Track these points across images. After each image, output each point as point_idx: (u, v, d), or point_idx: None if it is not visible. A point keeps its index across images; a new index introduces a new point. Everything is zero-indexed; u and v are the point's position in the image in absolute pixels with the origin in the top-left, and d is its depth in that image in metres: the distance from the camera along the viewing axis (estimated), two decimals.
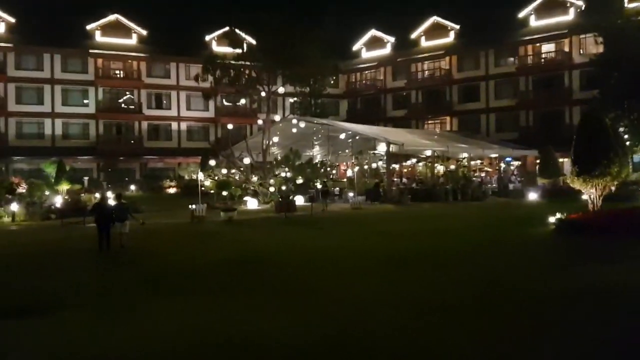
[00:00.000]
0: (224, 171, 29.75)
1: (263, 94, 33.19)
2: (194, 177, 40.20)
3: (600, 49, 44.94)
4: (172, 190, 45.76)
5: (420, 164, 37.06)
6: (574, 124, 47.60)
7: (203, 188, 30.24)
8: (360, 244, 15.30)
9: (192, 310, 8.94)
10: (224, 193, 27.89)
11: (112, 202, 18.75)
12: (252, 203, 29.15)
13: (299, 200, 29.03)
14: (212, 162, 29.47)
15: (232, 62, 38.90)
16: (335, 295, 9.56)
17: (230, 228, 20.53)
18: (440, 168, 38.04)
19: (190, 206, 23.22)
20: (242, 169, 31.58)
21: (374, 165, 36.35)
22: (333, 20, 59.84)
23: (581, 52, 48.03)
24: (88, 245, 16.77)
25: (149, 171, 52.21)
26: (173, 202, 33.80)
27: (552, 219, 16.40)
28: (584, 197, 29.86)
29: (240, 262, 12.92)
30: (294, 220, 22.79)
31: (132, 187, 45.96)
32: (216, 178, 28.95)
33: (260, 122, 32.96)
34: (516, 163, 46.16)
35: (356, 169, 35.31)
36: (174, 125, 54.40)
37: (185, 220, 22.58)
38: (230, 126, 31.36)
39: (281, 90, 31.69)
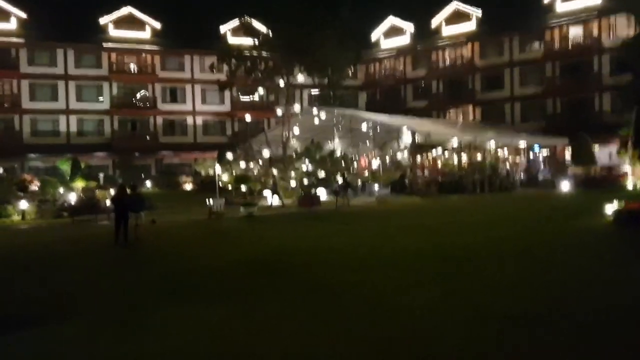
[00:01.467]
0: (242, 165, 28.46)
1: (282, 83, 31.79)
2: (211, 172, 39.02)
3: (632, 31, 43.04)
4: (188, 187, 44.75)
5: (446, 154, 35.43)
6: (604, 110, 45.72)
7: (222, 184, 29.09)
8: (397, 240, 13.83)
9: (213, 320, 7.61)
10: (243, 188, 26.58)
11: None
12: (272, 198, 27.82)
13: (322, 194, 27.66)
14: (230, 156, 28.14)
15: (248, 52, 37.65)
16: (381, 303, 8.13)
17: (251, 224, 19.24)
18: (465, 158, 36.30)
19: (207, 201, 21.94)
20: (261, 162, 30.28)
21: (398, 156, 34.86)
22: (350, 9, 58.12)
23: (611, 35, 45.85)
24: (98, 244, 15.62)
25: (164, 167, 51.23)
26: (190, 198, 32.72)
27: (608, 210, 14.75)
28: (629, 186, 28.31)
29: (265, 262, 11.54)
30: (318, 215, 21.42)
31: (148, 183, 44.93)
32: (234, 172, 27.63)
33: (279, 112, 31.59)
34: (545, 152, 44.33)
35: (379, 160, 33.83)
36: (190, 119, 53.33)
37: (203, 217, 21.31)
38: (248, 117, 29.99)
39: (300, 78, 30.26)
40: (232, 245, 14.42)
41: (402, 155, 33.15)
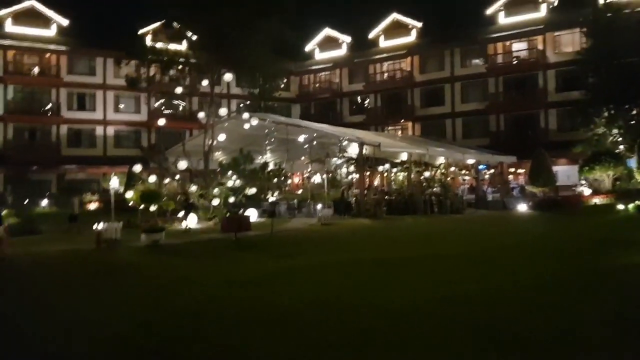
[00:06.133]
0: (152, 179, 22.95)
1: (205, 82, 26.62)
2: (121, 190, 33.09)
3: (577, 47, 41.27)
4: (94, 206, 38.28)
5: (395, 169, 31.30)
6: (549, 128, 43.57)
7: (132, 203, 23.48)
8: (374, 289, 8.77)
9: None
10: (153, 208, 21.15)
11: None
12: (190, 220, 22.45)
13: (252, 216, 22.60)
14: (138, 168, 22.59)
15: (168, 52, 32.37)
16: None
17: (154, 259, 13.73)
18: (414, 175, 32.29)
19: (95, 226, 16.32)
20: (177, 176, 24.84)
21: (343, 171, 30.44)
22: (283, 18, 54.04)
23: (556, 50, 44.02)
24: None
25: (67, 183, 44.18)
26: (91, 220, 26.63)
27: None
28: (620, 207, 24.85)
29: (161, 348, 6.35)
30: (248, 243, 16.26)
31: (45, 202, 38.02)
32: (141, 189, 22.06)
33: (201, 115, 26.14)
34: (491, 171, 41.37)
35: (321, 176, 29.19)
36: (99, 129, 46.66)
37: (91, 246, 15.67)
38: (162, 122, 24.31)
39: (227, 77, 25.26)
40: (112, 303, 8.97)
41: (347, 170, 28.75)
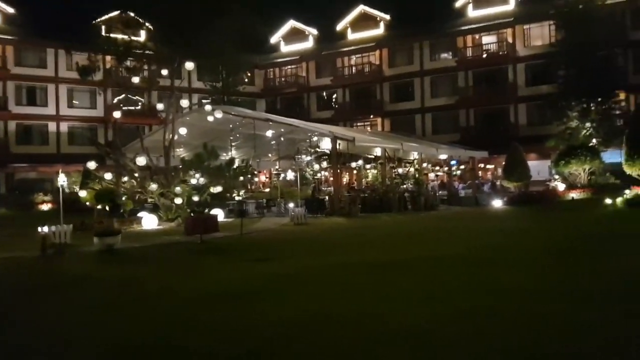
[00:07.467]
0: (108, 176, 20.96)
1: (165, 72, 24.70)
2: (76, 189, 30.94)
3: (547, 40, 40.96)
4: (46, 207, 35.91)
5: (368, 165, 30.00)
6: (519, 123, 43.04)
7: (88, 203, 21.50)
8: (376, 301, 7.23)
9: None
10: (108, 207, 19.21)
11: None
12: (149, 221, 20.58)
13: (219, 216, 20.85)
14: (92, 165, 20.55)
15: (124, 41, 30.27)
16: None
17: (108, 267, 11.90)
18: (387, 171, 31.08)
19: (40, 229, 14.37)
20: (136, 174, 22.87)
21: (315, 167, 28.96)
22: (247, 9, 52.09)
23: (525, 44, 43.52)
24: None
25: (17, 183, 41.37)
26: (40, 222, 24.39)
27: None
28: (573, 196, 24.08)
29: None
30: (216, 246, 14.58)
31: None
32: (96, 187, 20.09)
33: (160, 107, 24.27)
34: (462, 166, 40.55)
35: (291, 173, 27.61)
36: (52, 125, 43.89)
37: (35, 253, 13.71)
38: (117, 114, 22.40)
39: (189, 66, 23.39)
40: (49, 326, 7.26)
41: (319, 166, 27.27)
